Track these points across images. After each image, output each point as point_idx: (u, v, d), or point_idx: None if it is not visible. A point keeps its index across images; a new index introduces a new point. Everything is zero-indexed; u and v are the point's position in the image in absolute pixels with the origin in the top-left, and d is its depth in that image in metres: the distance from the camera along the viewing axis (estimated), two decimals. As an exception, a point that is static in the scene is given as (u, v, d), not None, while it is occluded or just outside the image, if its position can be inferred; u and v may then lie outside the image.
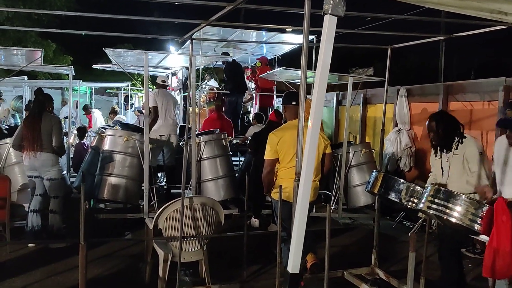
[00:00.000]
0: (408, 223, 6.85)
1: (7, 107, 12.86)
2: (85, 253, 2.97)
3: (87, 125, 12.82)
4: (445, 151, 3.98)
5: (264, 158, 4.22)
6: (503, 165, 3.63)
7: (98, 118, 13.16)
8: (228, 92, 10.17)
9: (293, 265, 1.89)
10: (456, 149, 3.87)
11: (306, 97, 3.16)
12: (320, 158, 4.21)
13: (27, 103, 11.51)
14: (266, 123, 7.13)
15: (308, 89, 5.72)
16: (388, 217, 7.08)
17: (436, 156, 4.08)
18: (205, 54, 10.14)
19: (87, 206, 3.07)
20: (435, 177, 4.15)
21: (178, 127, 7.59)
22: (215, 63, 10.70)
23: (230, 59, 10.08)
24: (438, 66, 18.46)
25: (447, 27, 16.68)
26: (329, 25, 1.81)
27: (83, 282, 3.04)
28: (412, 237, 2.77)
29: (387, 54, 5.04)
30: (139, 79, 15.47)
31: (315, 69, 5.57)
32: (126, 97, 16.71)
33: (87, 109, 13.68)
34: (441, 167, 4.04)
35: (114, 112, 12.54)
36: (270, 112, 9.43)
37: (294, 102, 4.25)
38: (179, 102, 11.76)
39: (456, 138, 3.89)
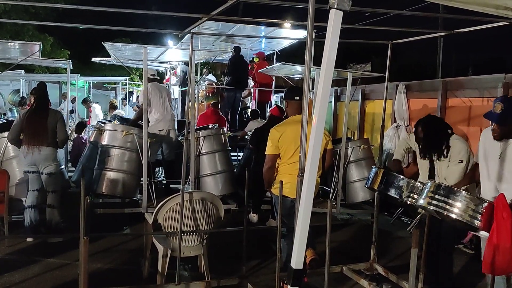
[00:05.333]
0: (406, 219, 6.87)
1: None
2: (87, 247, 2.96)
3: (87, 119, 12.81)
4: (435, 156, 4.05)
5: (265, 153, 4.22)
6: (492, 160, 3.60)
7: (98, 112, 13.13)
8: (227, 86, 10.15)
9: (297, 261, 1.89)
10: (446, 156, 3.98)
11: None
12: (321, 153, 4.21)
13: (20, 98, 11.51)
14: (268, 118, 7.11)
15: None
16: (386, 213, 7.10)
17: (423, 158, 4.15)
18: (204, 49, 10.11)
19: (88, 200, 3.05)
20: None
21: (176, 121, 7.50)
22: (213, 58, 10.66)
23: (235, 53, 10.05)
24: (436, 62, 18.49)
25: (445, 23, 16.70)
26: (335, 19, 1.79)
27: (85, 276, 3.04)
28: (415, 233, 2.76)
29: (384, 50, 5.02)
30: (137, 74, 15.41)
31: (314, 65, 5.54)
32: (130, 92, 16.64)
33: (86, 102, 13.63)
34: (428, 170, 4.11)
35: (113, 107, 12.50)
36: (270, 107, 9.43)
37: (297, 98, 4.24)
38: (176, 96, 11.77)
39: (444, 143, 3.96)
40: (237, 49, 10.21)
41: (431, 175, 4.13)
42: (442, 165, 4.05)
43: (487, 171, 3.63)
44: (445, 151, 3.99)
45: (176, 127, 7.39)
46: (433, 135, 4.02)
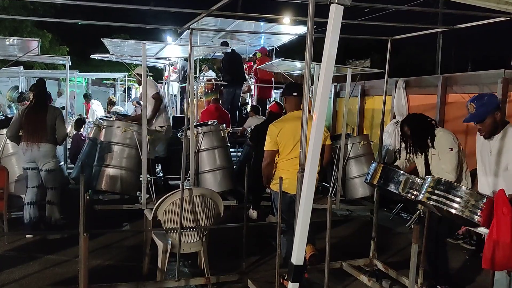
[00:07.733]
0: (406, 215, 6.88)
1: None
2: (87, 244, 2.96)
3: (85, 115, 12.76)
4: (419, 151, 4.06)
5: (264, 149, 4.21)
6: (486, 157, 3.65)
7: (97, 109, 13.09)
8: (226, 83, 10.13)
9: (297, 257, 1.89)
10: (434, 148, 3.99)
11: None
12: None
13: (19, 94, 11.48)
14: (267, 115, 7.10)
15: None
16: (385, 209, 7.10)
17: (416, 156, 4.16)
18: (203, 45, 10.08)
19: (87, 197, 3.05)
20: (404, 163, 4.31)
21: (171, 118, 7.47)
22: (213, 54, 10.64)
23: (229, 50, 10.01)
24: (435, 58, 18.45)
25: (444, 19, 16.65)
26: (335, 15, 1.77)
27: (85, 273, 3.04)
28: (415, 229, 2.76)
29: (384, 46, 5.01)
30: (136, 70, 15.37)
31: (314, 61, 5.53)
32: (128, 89, 16.60)
33: (88, 97, 13.57)
34: (426, 166, 4.12)
35: (111, 103, 12.46)
36: (269, 104, 9.40)
37: (295, 94, 4.23)
38: (176, 92, 11.74)
39: (429, 137, 3.98)
40: (226, 44, 10.19)
41: (428, 171, 4.12)
42: (434, 159, 4.05)
43: (483, 168, 3.67)
44: (431, 144, 4.01)
45: (171, 124, 7.38)
46: (420, 131, 4.03)
